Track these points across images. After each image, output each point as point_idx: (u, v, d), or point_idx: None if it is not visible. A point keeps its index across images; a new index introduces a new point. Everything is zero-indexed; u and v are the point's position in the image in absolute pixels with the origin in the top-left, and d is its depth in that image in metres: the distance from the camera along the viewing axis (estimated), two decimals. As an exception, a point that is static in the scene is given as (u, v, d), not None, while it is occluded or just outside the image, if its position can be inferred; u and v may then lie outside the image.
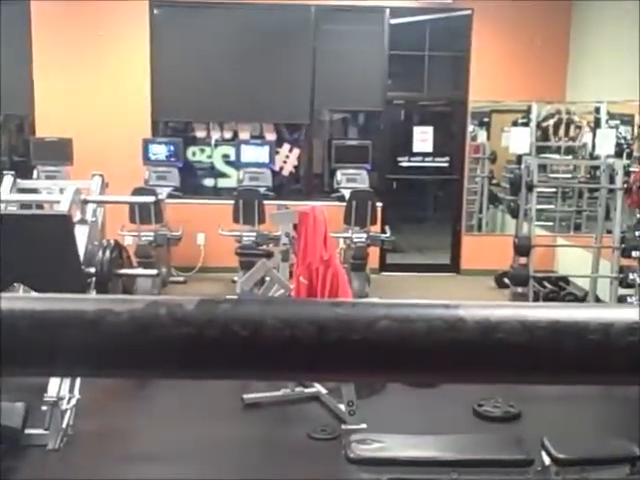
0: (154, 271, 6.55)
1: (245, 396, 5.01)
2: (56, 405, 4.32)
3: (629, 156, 7.59)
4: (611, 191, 7.01)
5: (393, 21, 8.73)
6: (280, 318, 0.31)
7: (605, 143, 7.67)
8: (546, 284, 7.76)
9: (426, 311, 0.31)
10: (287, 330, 0.31)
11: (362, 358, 0.31)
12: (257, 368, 0.32)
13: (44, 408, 4.28)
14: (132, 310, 0.31)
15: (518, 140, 8.53)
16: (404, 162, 9.11)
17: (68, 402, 4.47)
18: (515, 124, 8.89)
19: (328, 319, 0.31)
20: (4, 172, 6.03)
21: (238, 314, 0.31)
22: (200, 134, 9.05)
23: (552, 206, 8.64)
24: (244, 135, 8.91)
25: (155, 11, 8.64)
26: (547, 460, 3.64)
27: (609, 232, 6.98)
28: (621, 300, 6.53)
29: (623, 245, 6.51)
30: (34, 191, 6.39)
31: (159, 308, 0.31)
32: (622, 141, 7.83)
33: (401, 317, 0.31)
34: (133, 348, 0.31)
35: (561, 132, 8.82)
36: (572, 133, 8.85)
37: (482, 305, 0.32)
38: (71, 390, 4.49)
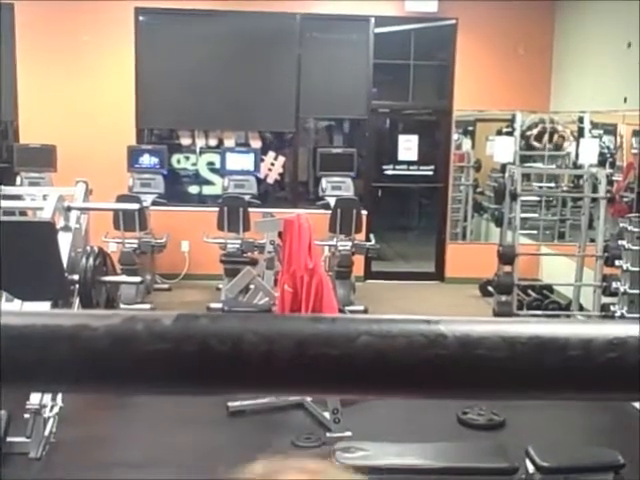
0: (138, 278, 6.52)
1: (230, 404, 4.99)
2: (38, 413, 4.28)
3: (612, 165, 7.64)
4: (594, 200, 7.05)
5: (378, 30, 8.76)
6: (259, 333, 0.31)
7: (588, 152, 7.72)
8: (530, 292, 7.79)
9: (407, 326, 0.31)
10: (266, 345, 0.30)
11: (342, 374, 0.31)
12: (236, 384, 0.31)
13: (26, 416, 4.24)
14: (109, 325, 0.30)
15: (502, 149, 8.58)
16: (389, 170, 9.13)
17: (51, 410, 4.43)
18: (499, 133, 8.93)
19: (308, 334, 0.31)
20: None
21: (216, 329, 0.31)
22: (185, 141, 9.03)
23: (536, 215, 8.69)
24: (229, 143, 8.90)
25: (140, 18, 8.63)
26: (531, 468, 3.64)
27: (592, 241, 7.02)
28: (604, 308, 6.56)
29: (606, 254, 6.55)
30: (17, 198, 6.35)
31: (136, 323, 0.30)
32: (605, 150, 7.89)
33: (382, 333, 0.31)
34: (110, 364, 0.30)
35: (545, 141, 8.86)
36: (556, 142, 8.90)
37: (463, 321, 0.32)
38: (54, 398, 4.45)
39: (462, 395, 0.34)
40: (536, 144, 8.86)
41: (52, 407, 4.44)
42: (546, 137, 8.80)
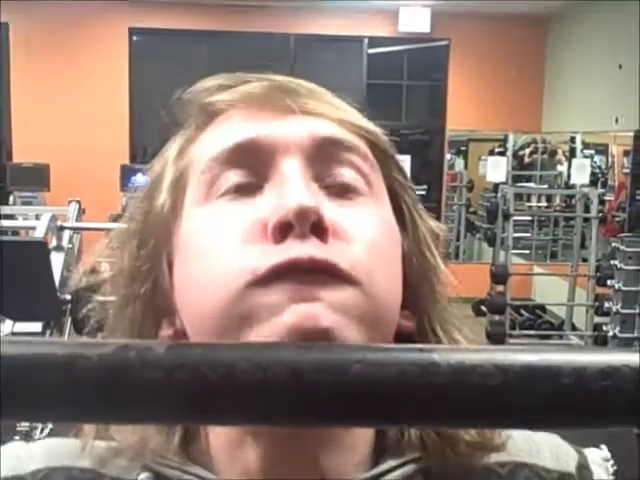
0: (130, 298, 6.48)
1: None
2: (29, 435, 4.25)
3: (604, 185, 7.68)
4: (586, 220, 7.08)
5: (371, 51, 8.82)
6: (252, 361, 0.31)
7: (580, 172, 7.76)
8: (523, 312, 7.79)
9: (400, 355, 0.31)
10: (259, 373, 0.30)
11: (336, 403, 0.31)
12: (228, 412, 0.31)
13: (17, 438, 4.21)
14: (102, 354, 0.30)
15: (495, 169, 8.62)
16: (382, 190, 9.15)
17: (41, 432, 4.39)
18: (492, 153, 8.98)
19: (301, 362, 0.31)
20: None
21: (209, 357, 0.31)
22: (178, 161, 9.04)
23: (528, 234, 8.71)
24: (222, 162, 8.91)
25: (134, 38, 8.67)
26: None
27: (585, 260, 7.04)
28: (597, 328, 6.57)
29: (598, 274, 6.56)
30: (10, 217, 6.34)
31: (129, 352, 0.30)
32: (597, 170, 7.94)
33: (375, 361, 0.31)
34: (103, 393, 0.30)
35: (537, 158, 8.92)
36: (548, 162, 8.95)
37: (456, 349, 0.32)
38: (44, 419, 4.42)
39: (455, 423, 0.34)
40: (529, 160, 8.92)
41: (42, 429, 4.41)
42: (539, 155, 8.86)
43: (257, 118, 0.56)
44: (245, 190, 0.54)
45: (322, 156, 0.55)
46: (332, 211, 0.52)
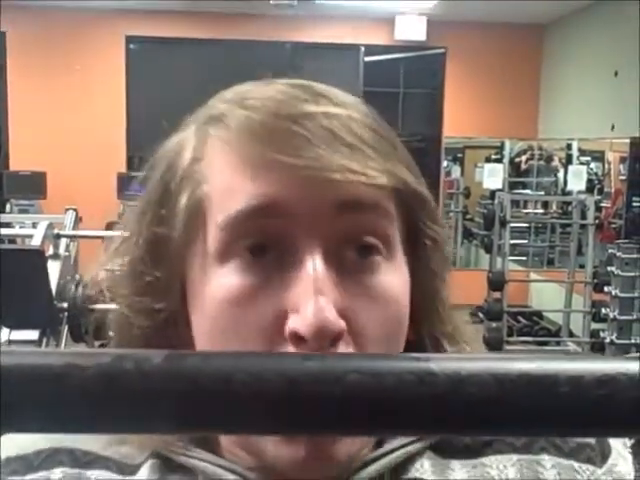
0: (127, 306, 6.46)
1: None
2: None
3: (600, 192, 7.69)
4: (583, 226, 7.09)
5: (367, 59, 8.84)
6: (249, 372, 0.31)
7: (577, 179, 7.77)
8: (520, 319, 7.79)
9: (396, 364, 0.31)
10: (256, 384, 0.30)
11: (331, 412, 0.31)
12: (225, 423, 0.31)
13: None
14: (99, 364, 0.30)
15: (491, 175, 8.63)
16: (379, 197, 9.15)
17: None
18: (488, 160, 8.99)
19: (298, 372, 0.31)
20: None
21: (206, 368, 0.31)
22: (175, 168, 9.03)
23: (525, 241, 8.72)
24: (219, 169, 8.90)
25: (131, 46, 8.68)
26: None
27: (581, 267, 7.05)
28: (594, 334, 6.57)
29: (595, 280, 6.57)
30: (7, 225, 6.33)
31: (126, 362, 0.30)
32: (593, 177, 7.95)
33: (371, 370, 0.31)
34: (100, 403, 0.30)
35: (534, 164, 8.93)
36: (544, 169, 8.97)
37: (453, 357, 0.32)
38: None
39: (451, 432, 0.34)
40: (525, 167, 8.94)
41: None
42: (535, 162, 8.87)
43: (271, 169, 0.54)
44: (263, 261, 0.54)
45: (340, 224, 0.55)
46: (346, 303, 0.53)
